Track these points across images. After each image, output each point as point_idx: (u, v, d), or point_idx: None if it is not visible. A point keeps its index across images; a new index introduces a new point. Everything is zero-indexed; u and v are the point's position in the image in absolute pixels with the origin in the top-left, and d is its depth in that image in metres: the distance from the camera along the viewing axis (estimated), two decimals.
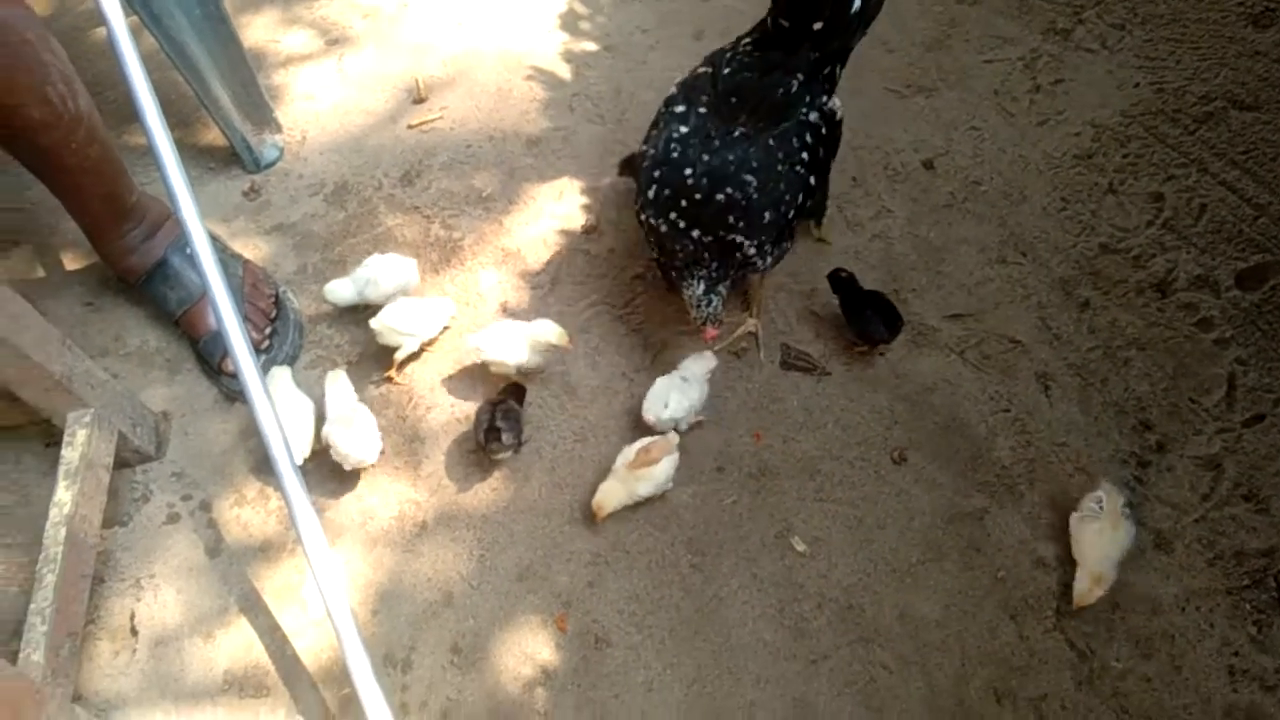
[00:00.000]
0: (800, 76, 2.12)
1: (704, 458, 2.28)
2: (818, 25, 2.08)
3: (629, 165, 2.61)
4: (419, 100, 2.92)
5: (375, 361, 2.39)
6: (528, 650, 2.02)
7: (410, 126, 2.86)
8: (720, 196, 2.08)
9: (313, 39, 3.12)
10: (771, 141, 2.11)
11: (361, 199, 2.70)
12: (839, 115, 2.26)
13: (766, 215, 2.12)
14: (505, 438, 2.13)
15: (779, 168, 2.12)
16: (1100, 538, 2.07)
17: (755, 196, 2.09)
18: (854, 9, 2.09)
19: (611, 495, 2.11)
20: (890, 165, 2.82)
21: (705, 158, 2.10)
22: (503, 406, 2.17)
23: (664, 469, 2.11)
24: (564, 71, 3.01)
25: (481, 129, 2.85)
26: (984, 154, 2.85)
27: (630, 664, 2.01)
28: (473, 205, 2.69)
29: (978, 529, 2.21)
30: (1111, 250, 2.66)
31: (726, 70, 2.16)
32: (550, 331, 2.27)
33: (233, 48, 2.57)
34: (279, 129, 2.81)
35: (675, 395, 2.21)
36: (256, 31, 3.13)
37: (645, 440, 2.15)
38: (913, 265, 2.61)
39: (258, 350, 2.32)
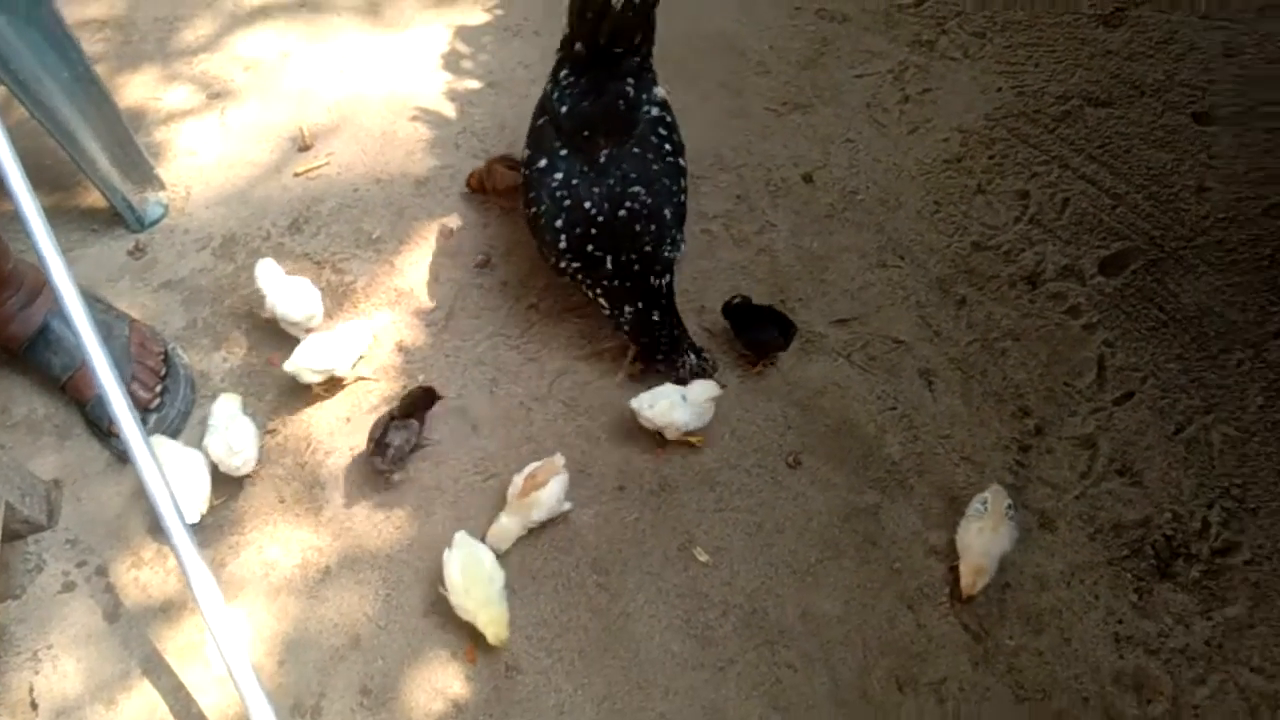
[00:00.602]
0: (630, 80, 2.29)
1: (605, 477, 2.32)
2: (636, 40, 2.26)
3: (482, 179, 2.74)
4: (304, 148, 2.93)
5: (270, 414, 2.39)
6: (438, 685, 2.03)
7: (296, 174, 2.87)
8: (622, 213, 2.21)
9: (193, 94, 3.12)
10: (636, 149, 2.25)
11: (250, 250, 2.70)
12: (667, 97, 2.41)
13: (667, 213, 2.27)
14: (389, 453, 2.17)
15: (654, 167, 2.26)
16: (981, 536, 2.14)
17: (650, 201, 2.24)
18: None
19: (506, 532, 2.14)
20: (771, 181, 2.91)
21: (594, 190, 2.22)
22: (397, 422, 2.20)
23: (553, 491, 2.14)
24: (448, 110, 3.05)
25: (368, 172, 2.88)
26: (860, 164, 2.97)
27: (541, 688, 2.03)
28: (363, 248, 2.71)
29: (872, 524, 2.28)
30: (983, 248, 2.78)
31: (564, 109, 2.29)
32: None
33: (106, 108, 2.56)
34: (162, 186, 2.79)
35: (664, 403, 2.25)
36: (136, 90, 3.11)
37: (531, 466, 2.18)
38: (798, 275, 2.70)
39: (148, 409, 2.32)
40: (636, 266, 2.27)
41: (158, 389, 2.35)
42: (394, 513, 2.25)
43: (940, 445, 2.41)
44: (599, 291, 2.34)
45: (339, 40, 3.26)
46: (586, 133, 2.25)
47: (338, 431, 2.37)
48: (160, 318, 2.57)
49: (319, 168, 2.88)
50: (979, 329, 2.62)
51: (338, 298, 2.60)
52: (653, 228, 2.25)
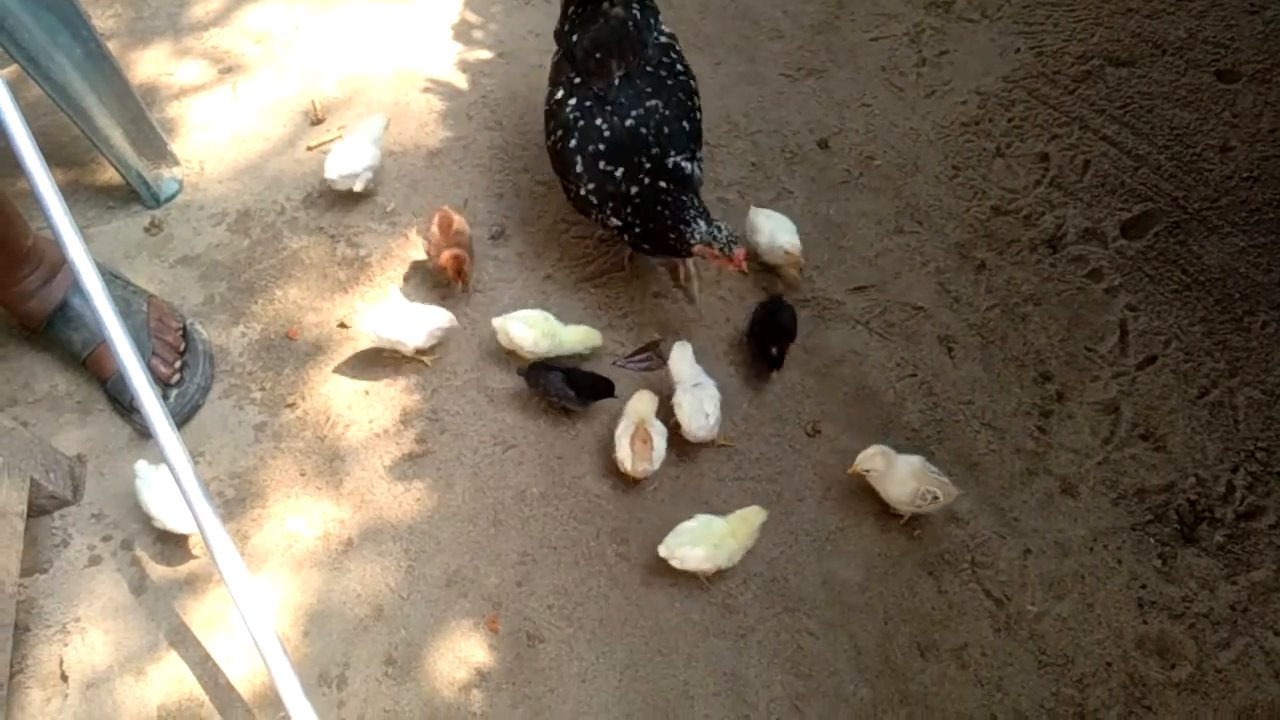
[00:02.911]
0: (636, 5, 2.36)
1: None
2: None
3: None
4: (316, 122, 2.92)
5: (290, 387, 2.40)
6: (461, 654, 2.04)
7: (309, 149, 2.86)
8: (629, 122, 2.26)
9: (205, 69, 3.10)
10: (649, 68, 2.33)
11: (265, 224, 2.70)
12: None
13: (684, 124, 2.31)
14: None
15: (669, 82, 2.33)
16: (890, 488, 2.14)
17: (666, 113, 2.28)
18: None
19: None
20: (787, 147, 2.88)
21: (607, 108, 2.27)
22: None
23: (659, 444, 2.19)
24: (460, 81, 3.03)
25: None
26: (876, 129, 2.93)
27: (563, 657, 2.04)
28: (377, 221, 2.70)
29: None
30: (1003, 212, 2.75)
31: (575, 37, 2.35)
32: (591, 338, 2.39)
33: (118, 84, 2.56)
34: (176, 162, 2.79)
35: (709, 403, 2.22)
36: (147, 66, 3.10)
37: (622, 435, 2.20)
38: (815, 243, 2.67)
39: (168, 384, 2.33)
40: (646, 177, 2.24)
41: (177, 364, 2.36)
42: (414, 485, 2.26)
43: (960, 412, 2.40)
44: (614, 213, 2.30)
45: (349, 13, 3.24)
46: (599, 55, 2.31)
47: (356, 405, 2.37)
48: (178, 293, 2.57)
49: (331, 141, 2.87)
50: (999, 294, 2.59)
51: (353, 271, 2.60)
52: (665, 131, 2.26)
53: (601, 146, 2.27)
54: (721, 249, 2.17)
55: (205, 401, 2.39)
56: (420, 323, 2.34)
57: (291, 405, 2.37)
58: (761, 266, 2.55)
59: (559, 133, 2.34)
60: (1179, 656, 2.06)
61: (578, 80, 2.34)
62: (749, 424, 2.36)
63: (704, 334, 2.51)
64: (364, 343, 2.44)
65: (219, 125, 2.95)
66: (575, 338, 2.35)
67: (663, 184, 2.24)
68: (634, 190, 2.26)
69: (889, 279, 2.62)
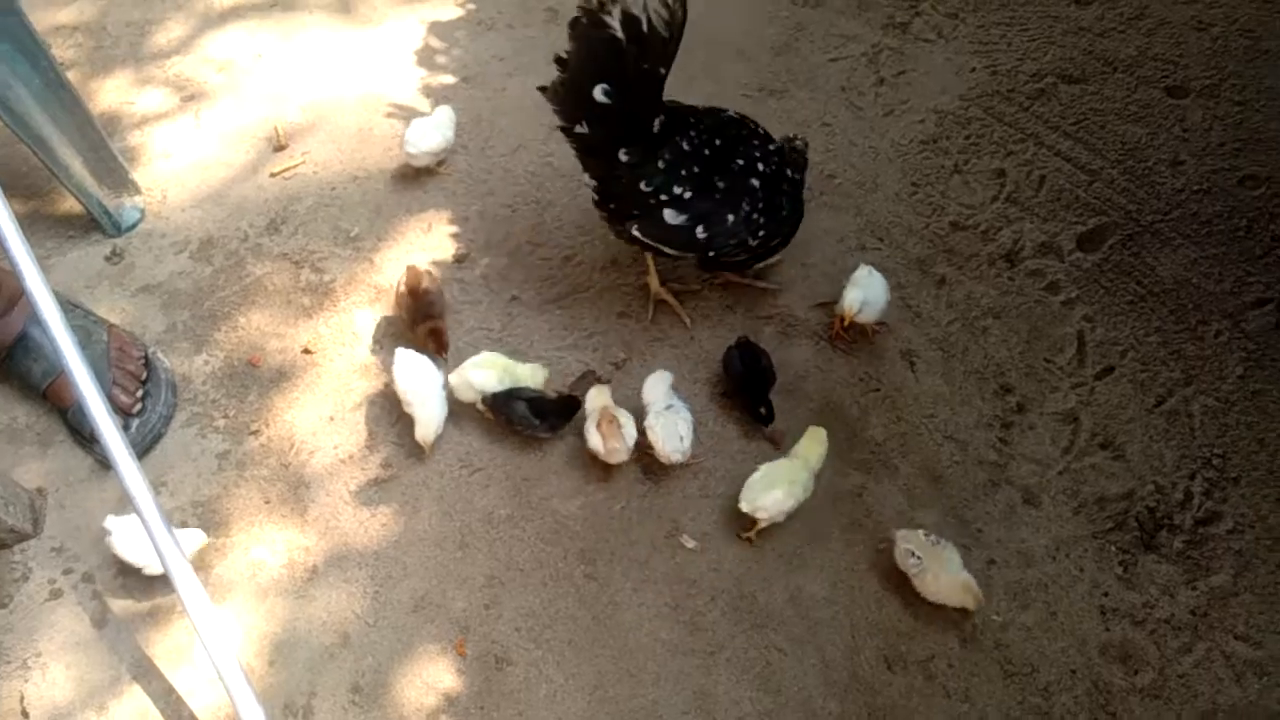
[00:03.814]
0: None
1: (589, 467, 2.32)
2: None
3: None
4: (280, 148, 2.92)
5: (253, 415, 2.39)
6: (429, 680, 2.03)
7: (273, 175, 2.86)
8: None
9: (168, 97, 3.10)
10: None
11: (228, 252, 2.69)
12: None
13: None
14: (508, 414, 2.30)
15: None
16: (939, 579, 2.08)
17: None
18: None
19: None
20: None
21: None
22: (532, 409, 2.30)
23: (629, 428, 2.23)
24: (424, 106, 3.04)
25: (345, 170, 2.87)
26: (836, 148, 2.97)
27: (532, 680, 2.04)
28: (341, 246, 2.70)
29: (857, 505, 2.29)
30: (961, 227, 2.79)
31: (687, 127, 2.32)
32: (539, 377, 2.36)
33: (78, 113, 2.55)
34: (138, 190, 2.78)
35: (682, 425, 2.23)
36: (109, 95, 3.10)
37: (589, 426, 2.24)
38: (778, 260, 2.70)
39: (129, 413, 2.31)
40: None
41: (139, 394, 2.34)
42: (380, 510, 2.25)
43: (924, 425, 2.42)
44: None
45: (311, 39, 3.25)
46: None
47: (321, 431, 2.36)
48: (140, 322, 2.56)
49: (295, 167, 2.87)
50: (959, 308, 2.63)
51: (317, 297, 2.59)
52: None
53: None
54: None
55: (168, 430, 2.37)
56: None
57: (255, 433, 2.36)
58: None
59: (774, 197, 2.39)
60: (1141, 662, 2.09)
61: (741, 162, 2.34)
62: (715, 441, 2.38)
63: (669, 352, 2.53)
64: (328, 369, 2.43)
65: (181, 153, 2.94)
66: (526, 374, 2.35)
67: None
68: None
69: None
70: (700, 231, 2.31)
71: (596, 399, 2.29)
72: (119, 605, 2.13)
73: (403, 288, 2.43)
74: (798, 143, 2.48)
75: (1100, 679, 2.07)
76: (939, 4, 3.37)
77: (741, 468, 2.33)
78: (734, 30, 3.30)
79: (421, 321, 2.39)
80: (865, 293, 2.42)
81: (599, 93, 2.12)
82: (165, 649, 2.07)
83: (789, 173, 2.42)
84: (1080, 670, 2.08)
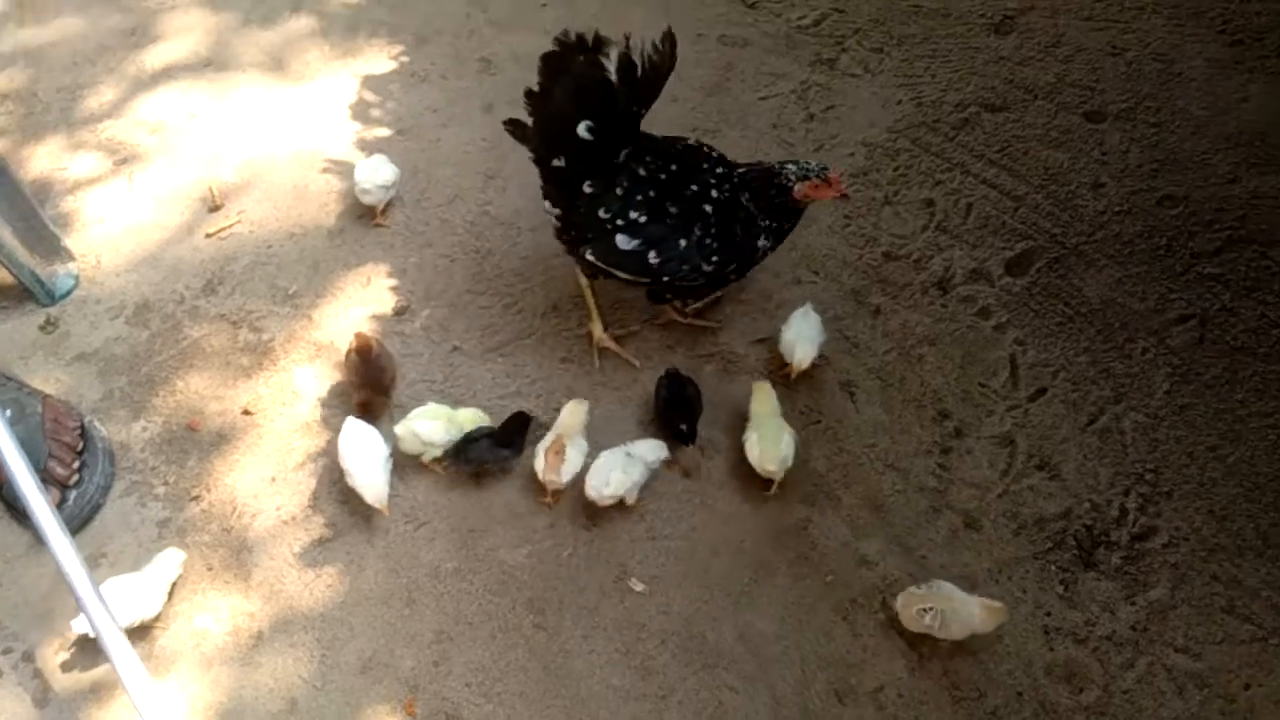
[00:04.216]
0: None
1: (535, 515, 2.32)
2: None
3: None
4: (215, 208, 2.92)
5: (194, 480, 2.37)
6: None
7: (208, 235, 2.85)
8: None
9: (101, 161, 3.09)
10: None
11: (164, 315, 2.67)
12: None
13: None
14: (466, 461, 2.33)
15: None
16: (959, 614, 2.08)
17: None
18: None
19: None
20: None
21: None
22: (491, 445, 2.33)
23: (574, 458, 2.27)
24: (359, 160, 3.05)
25: (281, 228, 2.87)
26: None
27: None
28: (280, 304, 2.70)
29: (803, 539, 2.32)
30: (894, 257, 2.85)
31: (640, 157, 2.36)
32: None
33: (6, 183, 2.54)
34: (71, 257, 2.76)
35: (618, 474, 2.24)
36: (41, 161, 3.08)
37: (542, 444, 2.29)
38: (718, 296, 2.73)
39: (66, 485, 2.28)
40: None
41: (75, 465, 2.31)
42: (324, 570, 2.23)
43: (865, 455, 2.46)
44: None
45: (245, 97, 3.26)
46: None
47: (263, 493, 2.35)
48: (76, 391, 2.53)
49: (230, 227, 2.87)
50: (895, 337, 2.68)
51: (256, 357, 2.58)
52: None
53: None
54: (817, 177, 2.33)
55: (106, 500, 2.34)
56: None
57: (196, 498, 2.34)
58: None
59: (731, 225, 2.37)
60: (1086, 680, 2.12)
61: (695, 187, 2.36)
62: (660, 483, 2.39)
63: (612, 395, 2.55)
64: (269, 429, 2.42)
65: (116, 217, 2.93)
66: (468, 419, 2.36)
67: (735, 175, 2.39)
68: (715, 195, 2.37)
69: None
70: (653, 257, 2.34)
71: (564, 419, 2.33)
72: (61, 683, 2.09)
73: (353, 353, 2.43)
74: (790, 168, 2.36)
75: (1047, 699, 2.10)
76: (864, 39, 3.46)
77: (685, 508, 2.35)
78: None
79: (369, 386, 2.38)
80: (808, 340, 2.46)
81: (583, 129, 2.19)
82: None
83: (745, 199, 2.40)
84: (1027, 692, 2.11)
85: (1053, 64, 3.35)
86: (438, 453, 2.33)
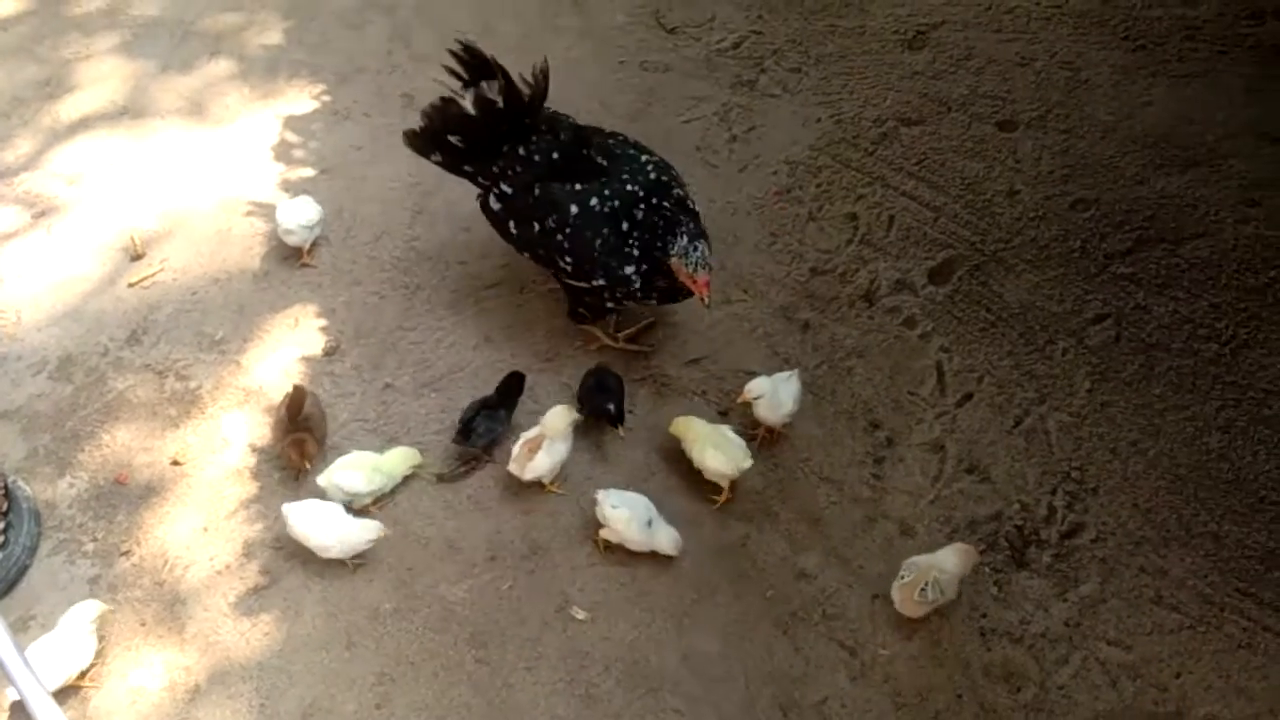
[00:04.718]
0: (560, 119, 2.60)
1: (475, 549, 2.32)
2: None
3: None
4: (136, 257, 2.88)
5: (124, 534, 2.33)
6: None
7: (131, 285, 2.82)
8: (651, 174, 2.50)
9: (18, 214, 3.04)
10: (609, 139, 2.59)
11: (88, 368, 2.63)
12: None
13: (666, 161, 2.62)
14: (476, 436, 2.42)
15: (628, 140, 2.62)
16: (948, 570, 2.16)
17: (656, 159, 2.57)
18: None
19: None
20: None
21: (622, 176, 2.48)
22: (487, 411, 2.43)
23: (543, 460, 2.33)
24: (282, 201, 3.03)
25: (205, 274, 2.84)
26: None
27: None
28: (206, 351, 2.67)
29: (742, 556, 2.34)
30: (820, 272, 2.90)
31: (555, 154, 2.51)
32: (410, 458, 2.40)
33: None
34: None
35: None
36: None
37: (523, 437, 2.36)
38: (651, 322, 2.76)
39: None
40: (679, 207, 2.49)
41: (0, 525, 2.26)
42: (261, 618, 2.20)
43: (800, 469, 2.49)
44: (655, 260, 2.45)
45: (164, 143, 3.23)
46: (584, 152, 2.53)
47: (195, 544, 2.31)
48: None
49: (154, 275, 2.83)
50: (824, 351, 2.72)
51: (184, 406, 2.55)
52: (673, 172, 2.59)
53: (643, 206, 2.43)
54: (690, 268, 2.34)
55: (33, 561, 2.29)
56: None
57: (127, 553, 2.30)
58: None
59: (604, 231, 2.42)
60: (1023, 679, 2.16)
61: (579, 186, 2.45)
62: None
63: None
64: (199, 478, 2.39)
65: (35, 271, 2.88)
66: (397, 460, 2.36)
67: (664, 205, 2.46)
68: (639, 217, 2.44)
69: (721, 348, 2.72)
70: (511, 226, 2.58)
71: (548, 420, 2.37)
72: None
73: (283, 410, 2.39)
74: (685, 242, 2.36)
75: (986, 700, 2.13)
76: (782, 60, 3.53)
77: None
78: (588, 100, 3.38)
79: (290, 434, 2.36)
80: (782, 405, 2.44)
81: (454, 139, 2.57)
82: None
83: (634, 219, 2.44)
84: (966, 694, 2.14)
85: (965, 76, 3.44)
86: (367, 500, 2.32)
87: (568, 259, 2.49)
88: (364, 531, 2.22)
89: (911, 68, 3.48)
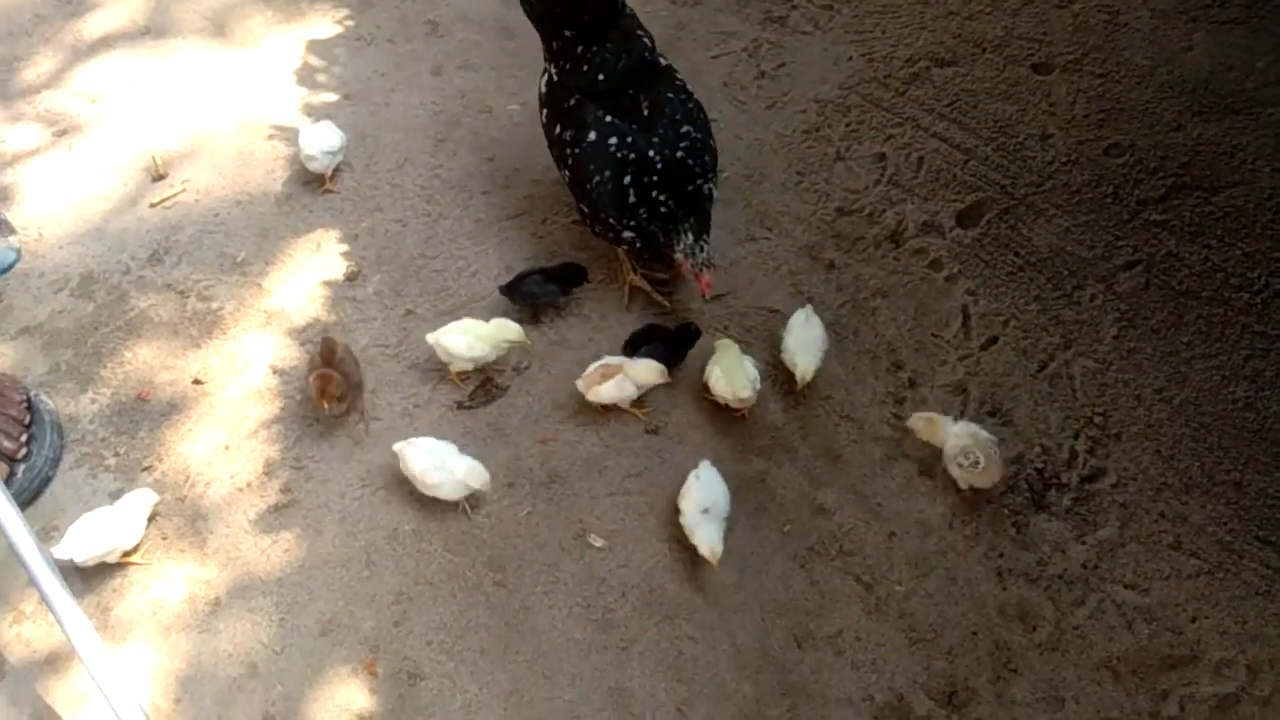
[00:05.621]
0: (640, 32, 2.51)
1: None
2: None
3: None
4: (159, 177, 2.86)
5: (145, 450, 2.34)
6: (341, 702, 2.01)
7: (153, 205, 2.80)
8: (679, 153, 2.42)
9: (40, 132, 3.02)
10: (669, 94, 2.49)
11: (110, 286, 2.63)
12: None
13: (712, 143, 2.53)
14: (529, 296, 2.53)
15: (689, 104, 2.52)
16: (993, 462, 2.22)
17: (699, 136, 2.47)
18: None
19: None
20: None
21: (653, 139, 2.41)
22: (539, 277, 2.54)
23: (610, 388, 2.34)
24: (305, 126, 3.00)
25: (228, 195, 2.83)
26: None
27: (446, 692, 2.03)
28: (228, 273, 2.66)
29: (761, 491, 2.33)
30: (847, 212, 2.86)
31: (602, 76, 2.45)
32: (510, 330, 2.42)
33: None
34: (12, 230, 2.66)
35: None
36: None
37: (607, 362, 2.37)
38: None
39: (15, 459, 2.25)
40: (691, 199, 2.44)
41: (23, 438, 2.27)
42: (282, 536, 2.22)
43: (820, 407, 2.48)
44: (653, 238, 2.45)
45: (187, 64, 3.19)
46: (630, 91, 2.44)
47: (216, 461, 2.32)
48: (22, 365, 2.48)
49: (175, 195, 2.82)
50: (849, 290, 2.69)
51: (205, 326, 2.55)
52: (705, 159, 2.47)
53: (656, 177, 2.40)
54: (694, 262, 2.39)
55: (56, 473, 2.31)
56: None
57: (148, 469, 2.31)
58: None
59: (605, 173, 2.41)
60: (1038, 618, 2.16)
61: (610, 119, 2.41)
62: (617, 439, 2.40)
63: (570, 355, 2.54)
64: (220, 398, 2.39)
65: (56, 189, 2.87)
66: (495, 331, 2.40)
67: (671, 191, 2.43)
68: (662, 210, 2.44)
69: (744, 285, 2.70)
70: (544, 116, 2.57)
71: (643, 370, 2.35)
72: (15, 655, 2.07)
73: (318, 356, 2.35)
74: (689, 241, 2.40)
75: (1000, 638, 2.14)
76: None
77: (644, 463, 2.36)
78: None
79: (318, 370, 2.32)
80: (809, 349, 2.43)
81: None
82: (67, 696, 2.01)
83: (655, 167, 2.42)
84: (981, 631, 2.15)
85: (1001, 17, 3.36)
86: (467, 365, 2.40)
87: (566, 172, 2.53)
88: (472, 475, 2.20)
89: (946, 7, 3.40)
